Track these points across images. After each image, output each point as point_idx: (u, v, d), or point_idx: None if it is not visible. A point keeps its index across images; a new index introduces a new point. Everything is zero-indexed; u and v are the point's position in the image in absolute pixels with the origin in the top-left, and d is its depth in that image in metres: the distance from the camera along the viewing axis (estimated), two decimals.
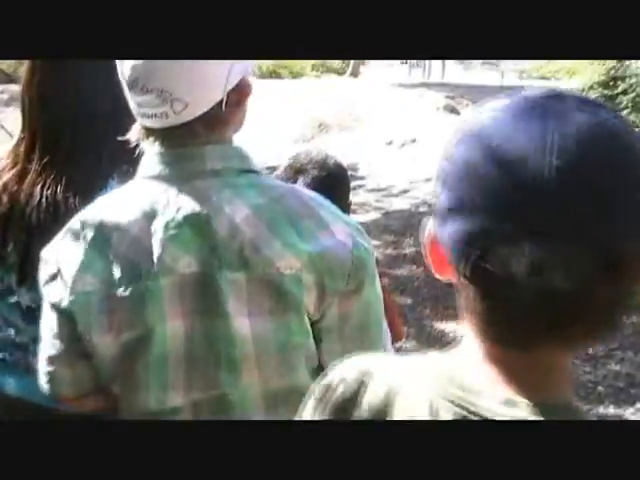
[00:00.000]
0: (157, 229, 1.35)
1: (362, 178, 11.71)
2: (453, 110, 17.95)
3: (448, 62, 30.66)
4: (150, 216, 1.37)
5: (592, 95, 10.53)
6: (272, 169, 2.49)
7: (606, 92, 10.33)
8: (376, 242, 7.57)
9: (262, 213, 1.35)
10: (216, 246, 1.34)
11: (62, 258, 1.40)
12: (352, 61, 26.13)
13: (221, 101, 1.36)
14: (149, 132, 1.41)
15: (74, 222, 1.42)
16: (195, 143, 1.38)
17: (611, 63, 10.29)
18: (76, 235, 1.39)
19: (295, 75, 25.15)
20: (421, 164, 11.87)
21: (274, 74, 25.54)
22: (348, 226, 1.42)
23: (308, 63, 27.61)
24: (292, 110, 16.69)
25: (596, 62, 10.65)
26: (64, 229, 1.43)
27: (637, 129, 0.96)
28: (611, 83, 10.33)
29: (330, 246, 1.35)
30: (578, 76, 11.30)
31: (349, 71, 25.50)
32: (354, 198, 10.70)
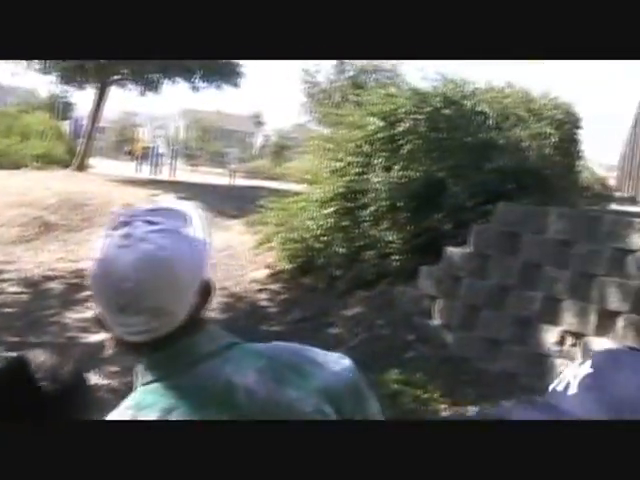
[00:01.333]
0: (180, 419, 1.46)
1: None
2: None
3: (178, 162, 30.52)
4: (169, 410, 1.46)
5: (332, 206, 10.45)
6: None
7: (346, 204, 10.32)
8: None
9: (266, 373, 1.51)
10: (240, 414, 1.46)
11: None
12: (79, 154, 24.95)
13: (194, 303, 1.51)
14: (135, 345, 1.52)
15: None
16: (183, 339, 1.52)
17: (351, 176, 10.33)
18: None
19: (16, 165, 23.39)
20: None
21: None
22: (332, 357, 1.61)
23: (29, 152, 25.98)
24: (11, 205, 15.29)
25: (337, 173, 10.66)
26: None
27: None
28: (351, 196, 10.36)
29: (331, 378, 1.54)
30: (317, 186, 11.19)
31: (75, 164, 24.20)
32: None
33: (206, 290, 1.56)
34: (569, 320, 7.00)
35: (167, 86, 27.80)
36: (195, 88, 27.09)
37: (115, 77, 25.77)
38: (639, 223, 6.67)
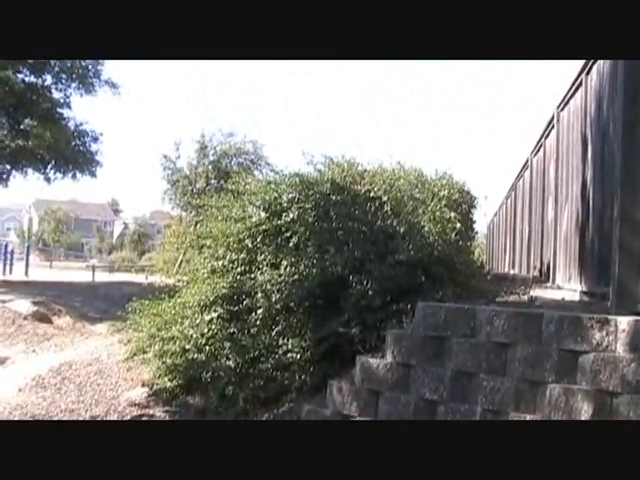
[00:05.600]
0: None
1: None
2: (43, 318, 15.57)
3: (33, 257, 28.26)
4: None
5: (215, 311, 9.04)
6: None
7: (231, 308, 8.96)
8: None
9: None
10: None
11: None
12: None
13: None
14: None
15: None
16: None
17: (234, 275, 9.01)
18: None
19: None
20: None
21: None
22: None
23: None
24: None
25: (217, 273, 9.30)
26: None
27: None
28: (236, 298, 9.01)
29: None
30: (195, 286, 9.76)
31: None
32: None
33: None
34: None
35: (18, 178, 25.94)
36: (48, 179, 25.26)
37: None
38: (589, 320, 5.65)
